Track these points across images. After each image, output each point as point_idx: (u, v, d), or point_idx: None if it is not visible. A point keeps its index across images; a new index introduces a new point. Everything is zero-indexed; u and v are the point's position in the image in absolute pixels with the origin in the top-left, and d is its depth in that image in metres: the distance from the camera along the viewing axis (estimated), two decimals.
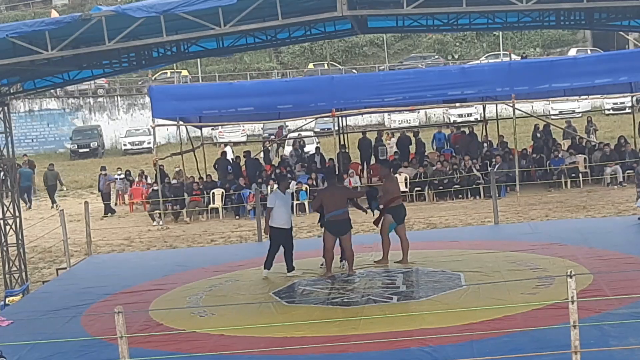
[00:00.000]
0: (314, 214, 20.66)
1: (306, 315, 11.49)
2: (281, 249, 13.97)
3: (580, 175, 24.91)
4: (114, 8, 11.87)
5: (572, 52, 50.00)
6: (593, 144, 26.89)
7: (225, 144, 35.06)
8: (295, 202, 24.32)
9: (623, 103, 38.89)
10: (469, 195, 24.58)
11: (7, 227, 16.48)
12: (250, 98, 24.19)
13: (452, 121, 41.59)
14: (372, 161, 28.16)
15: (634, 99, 30.16)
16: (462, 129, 31.33)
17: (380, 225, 14.26)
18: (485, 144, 27.97)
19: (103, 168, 29.42)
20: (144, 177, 29.04)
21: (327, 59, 50.93)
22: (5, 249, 16.40)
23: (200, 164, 28.37)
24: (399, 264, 14.16)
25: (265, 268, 14.00)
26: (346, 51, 57.22)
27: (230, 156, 29.86)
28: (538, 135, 28.18)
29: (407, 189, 24.70)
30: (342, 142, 28.63)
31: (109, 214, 26.23)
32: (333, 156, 26.97)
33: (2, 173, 17.29)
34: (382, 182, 14.78)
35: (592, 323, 9.55)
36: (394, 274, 13.58)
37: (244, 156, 27.99)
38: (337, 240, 13.68)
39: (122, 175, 29.69)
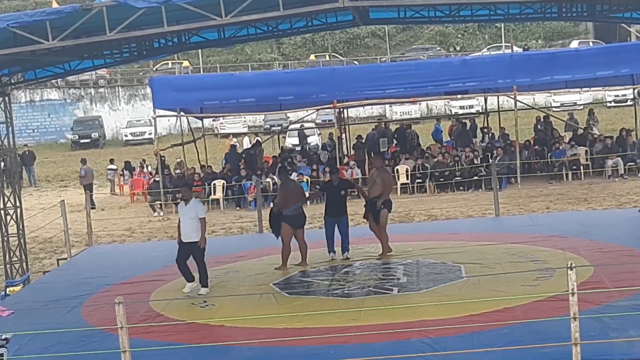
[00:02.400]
0: (317, 205, 20.72)
1: (307, 306, 11.49)
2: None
3: (581, 167, 24.87)
4: None
5: (574, 44, 49.91)
6: (594, 136, 26.85)
7: (236, 135, 34.91)
8: None
9: (625, 95, 38.82)
10: (470, 187, 24.57)
11: (8, 217, 16.49)
12: (252, 89, 24.16)
13: (453, 113, 41.55)
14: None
15: (636, 91, 30.11)
16: (456, 120, 31.37)
17: (375, 219, 14.21)
18: (481, 135, 28.01)
19: (83, 161, 29.21)
20: (145, 167, 28.99)
21: (329, 50, 50.78)
22: (6, 239, 16.41)
23: (201, 155, 28.36)
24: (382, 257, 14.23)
25: (187, 281, 13.00)
26: (348, 42, 57.14)
27: (246, 146, 29.66)
28: (539, 127, 28.16)
29: (408, 181, 24.69)
30: (342, 134, 28.60)
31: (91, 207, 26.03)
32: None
33: (2, 163, 17.26)
34: (377, 173, 14.59)
35: (592, 315, 9.55)
36: (395, 266, 13.59)
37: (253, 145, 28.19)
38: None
39: (115, 167, 29.66)
